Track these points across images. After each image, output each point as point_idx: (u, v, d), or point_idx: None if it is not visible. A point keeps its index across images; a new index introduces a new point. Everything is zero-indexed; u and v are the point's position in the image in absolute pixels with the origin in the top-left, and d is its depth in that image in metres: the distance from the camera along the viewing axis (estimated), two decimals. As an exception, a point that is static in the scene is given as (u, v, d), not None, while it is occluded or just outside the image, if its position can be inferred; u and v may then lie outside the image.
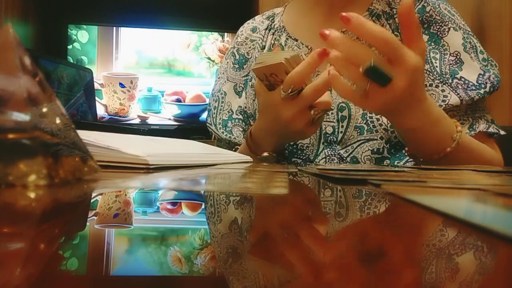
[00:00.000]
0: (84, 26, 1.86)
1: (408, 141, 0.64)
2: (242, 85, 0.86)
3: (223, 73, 0.89)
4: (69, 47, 1.84)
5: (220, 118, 0.86)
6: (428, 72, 0.72)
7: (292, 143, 0.75)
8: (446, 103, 0.71)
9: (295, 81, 0.59)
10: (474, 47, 0.73)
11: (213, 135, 0.89)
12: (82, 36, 1.86)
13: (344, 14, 0.52)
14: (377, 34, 0.51)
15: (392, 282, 0.12)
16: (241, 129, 0.85)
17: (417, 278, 0.12)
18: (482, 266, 0.13)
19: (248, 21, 0.92)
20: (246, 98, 0.84)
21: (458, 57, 0.72)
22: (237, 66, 0.87)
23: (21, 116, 0.24)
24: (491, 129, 0.72)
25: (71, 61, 1.80)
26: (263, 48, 0.85)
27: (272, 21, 0.87)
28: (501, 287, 0.11)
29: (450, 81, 0.71)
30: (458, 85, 0.71)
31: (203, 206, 0.24)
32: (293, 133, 0.65)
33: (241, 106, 0.85)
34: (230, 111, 0.86)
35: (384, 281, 0.12)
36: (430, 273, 0.12)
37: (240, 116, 0.85)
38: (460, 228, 0.17)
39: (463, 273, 0.12)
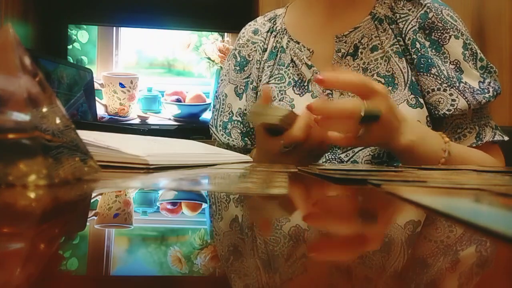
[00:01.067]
0: (84, 26, 1.86)
1: (405, 161, 0.66)
2: (243, 87, 0.86)
3: (225, 75, 0.89)
4: (69, 47, 1.84)
5: (221, 120, 0.86)
6: (435, 76, 0.72)
7: None
8: (454, 107, 0.70)
9: (298, 138, 0.60)
10: (474, 55, 0.73)
11: (213, 136, 0.89)
12: (82, 36, 1.85)
13: (317, 77, 0.57)
14: (348, 82, 0.57)
15: (393, 282, 0.12)
16: (239, 131, 0.85)
17: (418, 277, 0.12)
18: (482, 266, 0.13)
19: (249, 23, 0.92)
20: (246, 100, 0.85)
21: (458, 65, 0.72)
22: (238, 68, 0.87)
23: (21, 116, 0.24)
24: (497, 137, 0.73)
25: (71, 61, 1.80)
26: (264, 50, 0.85)
27: (274, 23, 0.87)
28: (501, 287, 0.11)
29: (457, 84, 0.71)
30: (465, 89, 0.71)
31: (203, 206, 0.24)
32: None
33: (241, 108, 0.85)
34: (230, 113, 0.86)
35: (385, 281, 0.12)
36: (430, 272, 0.12)
37: (240, 118, 0.85)
38: (460, 228, 0.17)
39: (463, 273, 0.12)
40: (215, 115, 0.88)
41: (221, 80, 0.90)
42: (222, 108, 0.87)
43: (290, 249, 0.14)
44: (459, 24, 0.75)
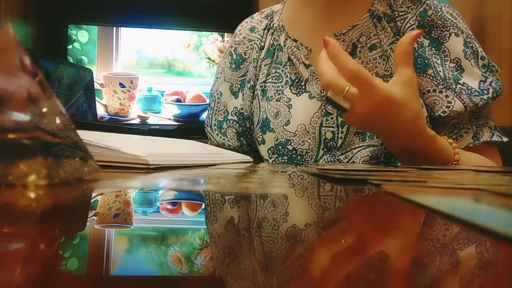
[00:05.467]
0: (84, 26, 1.86)
1: (401, 160, 0.67)
2: (239, 86, 0.84)
3: (220, 73, 0.88)
4: (69, 47, 1.84)
5: (215, 120, 0.85)
6: (431, 77, 0.71)
7: (291, 149, 0.75)
8: (450, 109, 0.70)
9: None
10: (475, 53, 0.71)
11: (208, 136, 0.88)
12: (82, 36, 1.85)
13: (325, 38, 0.57)
14: (347, 66, 0.55)
15: (393, 282, 0.12)
16: (234, 130, 0.84)
17: (417, 278, 0.12)
18: (482, 266, 0.13)
19: (246, 20, 0.90)
20: (243, 99, 0.83)
21: (458, 64, 0.71)
22: (234, 66, 0.85)
23: (21, 116, 0.24)
24: (495, 138, 0.72)
25: (71, 61, 1.80)
26: (261, 48, 0.84)
27: (271, 20, 0.85)
28: (501, 287, 0.11)
29: (454, 86, 0.70)
30: (461, 90, 0.70)
31: (203, 206, 0.24)
32: None
33: (237, 107, 0.84)
34: (225, 111, 0.85)
35: (385, 281, 0.12)
36: (430, 273, 0.12)
37: (235, 118, 0.84)
38: (460, 228, 0.17)
39: (463, 273, 0.12)
40: (210, 114, 0.87)
41: (216, 78, 0.88)
42: (217, 107, 0.86)
43: (288, 250, 0.14)
44: (459, 22, 0.73)
